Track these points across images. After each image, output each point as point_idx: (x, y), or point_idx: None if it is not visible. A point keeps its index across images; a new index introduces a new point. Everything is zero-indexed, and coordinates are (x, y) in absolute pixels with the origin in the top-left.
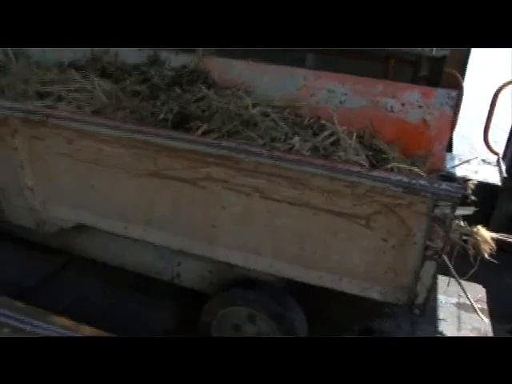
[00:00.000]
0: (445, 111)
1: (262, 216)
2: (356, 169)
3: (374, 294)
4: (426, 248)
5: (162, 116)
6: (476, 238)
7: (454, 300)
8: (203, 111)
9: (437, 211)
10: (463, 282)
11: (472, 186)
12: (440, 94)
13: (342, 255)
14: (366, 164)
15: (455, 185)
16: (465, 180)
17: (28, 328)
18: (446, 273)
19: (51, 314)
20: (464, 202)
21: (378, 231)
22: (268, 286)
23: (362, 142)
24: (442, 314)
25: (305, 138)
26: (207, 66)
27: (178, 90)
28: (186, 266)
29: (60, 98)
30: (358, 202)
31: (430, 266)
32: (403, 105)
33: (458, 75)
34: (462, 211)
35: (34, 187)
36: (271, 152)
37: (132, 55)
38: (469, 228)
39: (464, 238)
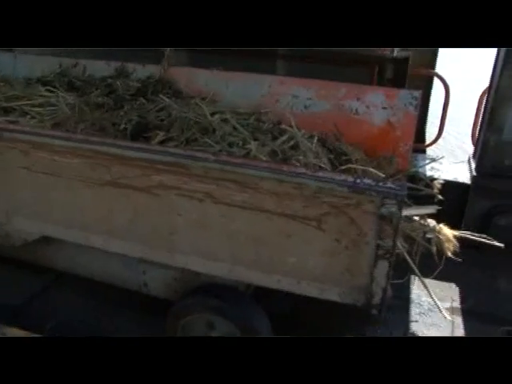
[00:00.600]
0: (409, 112)
1: (216, 221)
2: (301, 170)
3: (333, 296)
4: (378, 247)
5: (122, 126)
6: (438, 237)
7: (447, 305)
8: (162, 120)
9: (383, 210)
10: (438, 282)
11: (438, 186)
12: (403, 94)
13: (298, 258)
14: (327, 167)
15: (400, 183)
16: (431, 179)
17: None
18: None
19: None
20: (431, 200)
21: (330, 232)
22: (230, 292)
23: (324, 146)
24: (434, 319)
25: (264, 143)
26: (173, 76)
27: (142, 100)
28: (152, 275)
29: (24, 113)
30: (308, 204)
31: (382, 265)
32: (368, 107)
33: (440, 75)
34: (424, 210)
35: None
36: (217, 156)
37: (99, 68)
38: (430, 226)
39: (428, 236)
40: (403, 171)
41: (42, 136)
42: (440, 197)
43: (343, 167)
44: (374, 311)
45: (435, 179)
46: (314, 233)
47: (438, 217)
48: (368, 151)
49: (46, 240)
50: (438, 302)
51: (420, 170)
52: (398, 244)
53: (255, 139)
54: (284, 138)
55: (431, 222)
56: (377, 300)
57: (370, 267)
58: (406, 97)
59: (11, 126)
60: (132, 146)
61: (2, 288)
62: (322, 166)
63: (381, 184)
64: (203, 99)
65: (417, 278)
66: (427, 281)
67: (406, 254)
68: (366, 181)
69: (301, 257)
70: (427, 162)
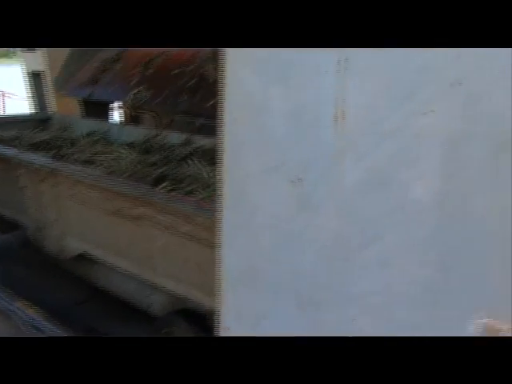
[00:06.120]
0: None
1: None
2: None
3: None
4: None
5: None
6: None
7: None
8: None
9: None
10: None
11: None
12: None
13: None
14: None
15: None
16: None
17: None
18: None
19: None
20: None
21: None
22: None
23: None
24: None
25: None
26: None
27: (190, 162)
28: (155, 297)
29: (100, 164)
30: None
31: None
32: None
33: None
34: None
35: (55, 221)
36: (164, 195)
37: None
38: None
39: None
40: None
41: (73, 172)
42: None
43: None
44: None
45: None
46: None
47: None
48: None
49: (89, 258)
50: None
51: None
52: None
53: None
54: None
55: None
56: None
57: None
58: None
59: (61, 165)
60: (118, 182)
61: None
62: None
63: None
64: None
65: None
66: None
67: None
68: None
69: None
70: None
